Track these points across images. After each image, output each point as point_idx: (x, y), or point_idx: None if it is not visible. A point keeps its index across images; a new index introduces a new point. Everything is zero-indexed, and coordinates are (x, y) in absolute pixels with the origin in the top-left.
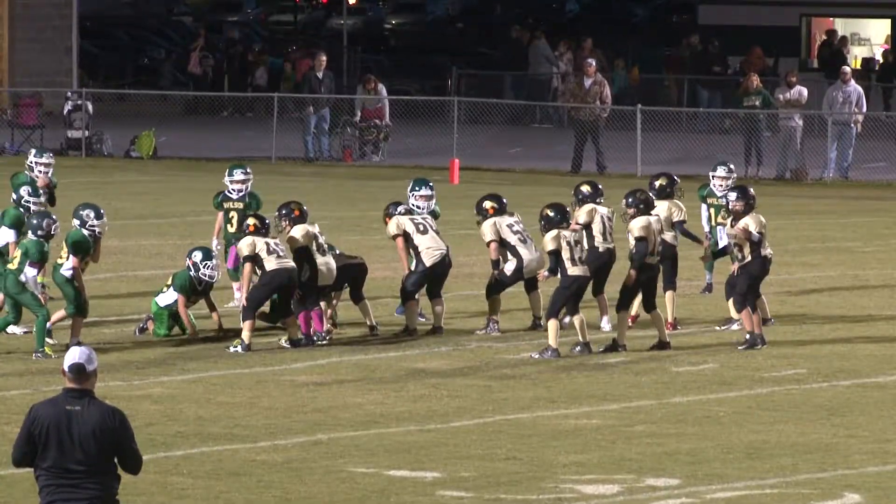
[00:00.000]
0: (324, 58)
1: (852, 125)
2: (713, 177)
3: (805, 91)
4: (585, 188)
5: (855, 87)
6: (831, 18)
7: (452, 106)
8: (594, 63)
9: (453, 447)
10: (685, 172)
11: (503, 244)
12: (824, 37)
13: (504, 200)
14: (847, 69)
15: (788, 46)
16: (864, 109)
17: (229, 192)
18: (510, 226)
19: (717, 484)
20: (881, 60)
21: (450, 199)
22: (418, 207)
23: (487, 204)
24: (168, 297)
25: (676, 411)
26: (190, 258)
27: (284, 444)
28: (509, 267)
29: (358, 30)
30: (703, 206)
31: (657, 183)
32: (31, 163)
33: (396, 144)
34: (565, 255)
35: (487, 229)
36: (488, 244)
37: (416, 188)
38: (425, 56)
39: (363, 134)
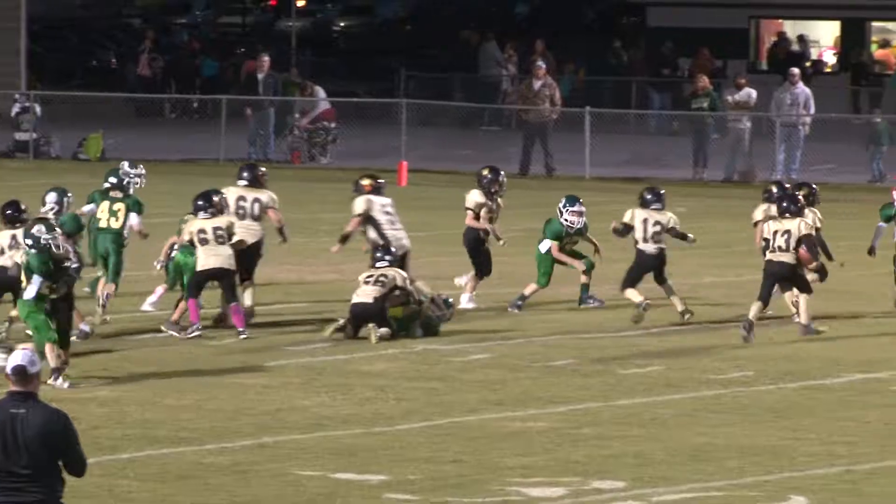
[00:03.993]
0: (266, 59)
1: (800, 127)
2: None
3: (754, 93)
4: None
5: (803, 89)
6: (780, 20)
7: (401, 108)
8: (544, 65)
9: (400, 450)
10: (634, 175)
11: (371, 223)
12: (773, 38)
13: (382, 181)
14: (796, 71)
15: (737, 48)
16: (812, 111)
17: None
18: (383, 205)
19: (663, 486)
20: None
21: (398, 201)
22: (570, 223)
23: (366, 181)
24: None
25: (623, 413)
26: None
27: (231, 447)
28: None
29: (307, 32)
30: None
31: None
32: None
33: (345, 146)
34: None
35: (359, 203)
36: (353, 217)
37: (569, 204)
38: (374, 58)
39: (311, 136)
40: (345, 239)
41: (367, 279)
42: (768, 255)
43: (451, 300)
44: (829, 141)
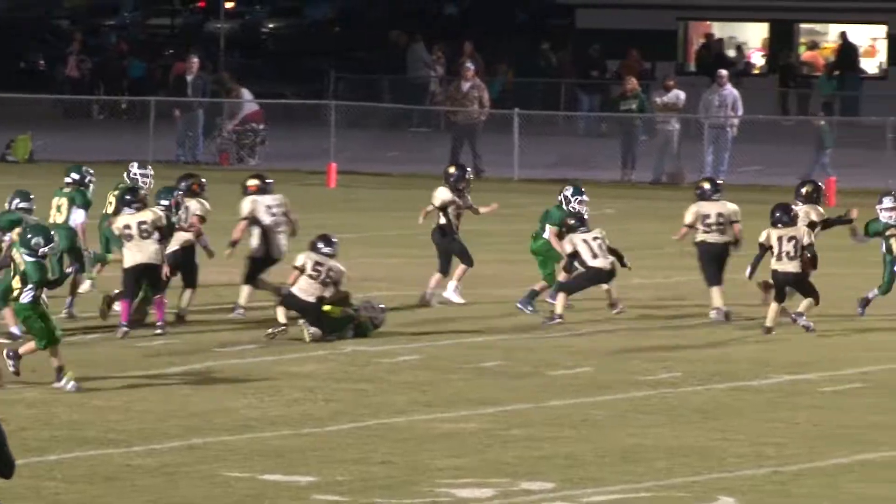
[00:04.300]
0: (195, 61)
1: (728, 128)
2: (881, 209)
3: (682, 95)
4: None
5: (731, 91)
6: (708, 22)
7: (330, 110)
8: (472, 67)
9: (328, 451)
10: (562, 176)
11: (256, 224)
12: (702, 40)
13: (269, 181)
14: (724, 73)
15: (666, 50)
16: (740, 113)
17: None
18: (269, 206)
19: (592, 487)
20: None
21: (327, 203)
22: (575, 210)
23: (251, 182)
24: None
25: (552, 415)
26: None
27: (159, 448)
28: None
29: (235, 33)
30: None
31: (803, 190)
32: None
33: (273, 148)
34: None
35: (245, 205)
36: (240, 220)
37: (577, 194)
38: (303, 59)
39: (239, 138)
40: (234, 244)
41: (314, 273)
42: (774, 265)
43: (383, 305)
44: (757, 142)
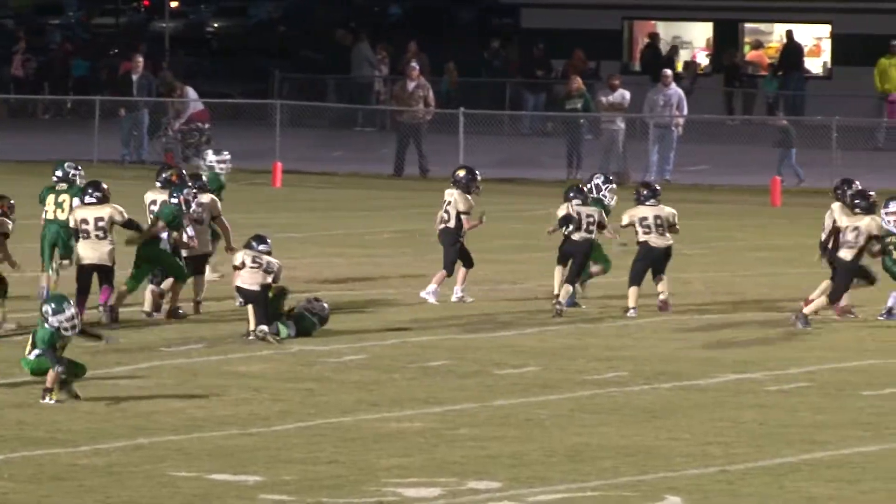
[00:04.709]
0: (140, 60)
1: (673, 128)
2: (885, 214)
3: (627, 94)
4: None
5: (676, 90)
6: (653, 22)
7: (275, 109)
8: (418, 66)
9: (275, 451)
10: (508, 176)
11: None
12: (646, 40)
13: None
14: (668, 72)
15: (610, 50)
16: (685, 112)
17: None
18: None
19: (539, 486)
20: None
21: (272, 202)
22: (605, 197)
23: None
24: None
25: (499, 414)
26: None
27: (106, 448)
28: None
29: (180, 33)
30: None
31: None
32: None
33: (218, 147)
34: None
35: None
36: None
37: (607, 183)
38: (248, 59)
39: (185, 137)
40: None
41: (253, 265)
42: (841, 253)
43: (326, 304)
44: (702, 142)
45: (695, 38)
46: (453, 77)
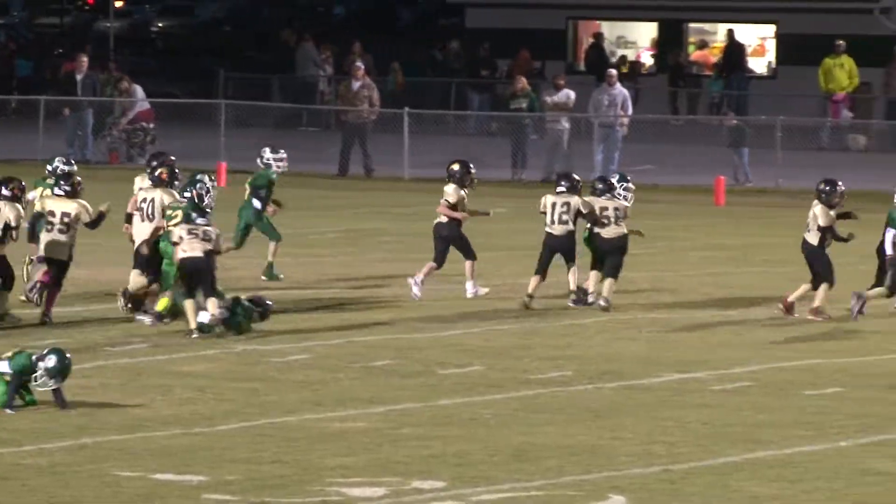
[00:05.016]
0: (85, 60)
1: (618, 128)
2: None
3: (572, 94)
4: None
5: (621, 90)
6: (598, 22)
7: (220, 109)
8: (363, 66)
9: (219, 451)
10: None
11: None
12: (591, 40)
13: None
14: (613, 72)
15: (555, 49)
16: (630, 112)
17: None
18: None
19: (483, 486)
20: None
21: (217, 202)
22: (622, 196)
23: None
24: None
25: (443, 414)
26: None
27: (49, 447)
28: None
29: (125, 32)
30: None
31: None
32: None
33: (163, 147)
34: None
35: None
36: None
37: (623, 181)
38: (193, 59)
39: (129, 137)
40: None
41: (191, 235)
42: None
43: (270, 301)
44: (647, 142)
45: (639, 38)
46: (399, 77)
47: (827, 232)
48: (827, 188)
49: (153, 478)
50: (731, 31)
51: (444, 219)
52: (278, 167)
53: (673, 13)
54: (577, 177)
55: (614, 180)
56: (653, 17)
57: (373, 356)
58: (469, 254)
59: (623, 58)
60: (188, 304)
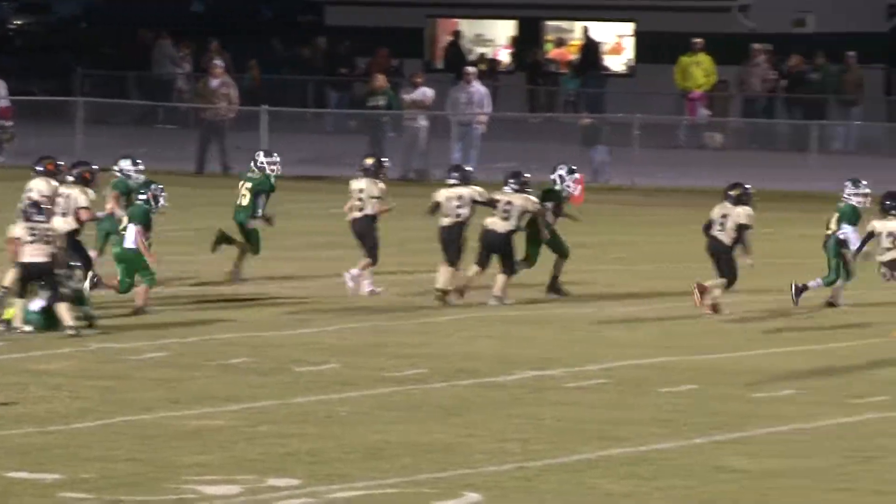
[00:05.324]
0: None
1: (475, 126)
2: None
3: (430, 92)
4: None
5: (479, 88)
6: (456, 20)
7: (77, 106)
8: (221, 64)
9: (74, 449)
10: (312, 173)
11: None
12: (449, 38)
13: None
14: (471, 70)
15: (414, 47)
16: (489, 110)
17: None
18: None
19: (339, 483)
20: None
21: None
22: (570, 188)
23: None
24: None
25: (299, 411)
26: None
27: None
28: None
29: None
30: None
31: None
32: None
33: (21, 145)
34: None
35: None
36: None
37: (571, 174)
38: (50, 56)
39: None
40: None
41: (31, 237)
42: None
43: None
44: (505, 140)
45: (497, 36)
46: (256, 74)
47: (744, 230)
48: (746, 190)
49: (7, 476)
50: (586, 29)
51: (357, 214)
52: (272, 170)
53: (531, 11)
54: (469, 168)
55: (563, 172)
56: (511, 15)
57: (230, 354)
58: (372, 253)
59: (481, 56)
60: (19, 304)
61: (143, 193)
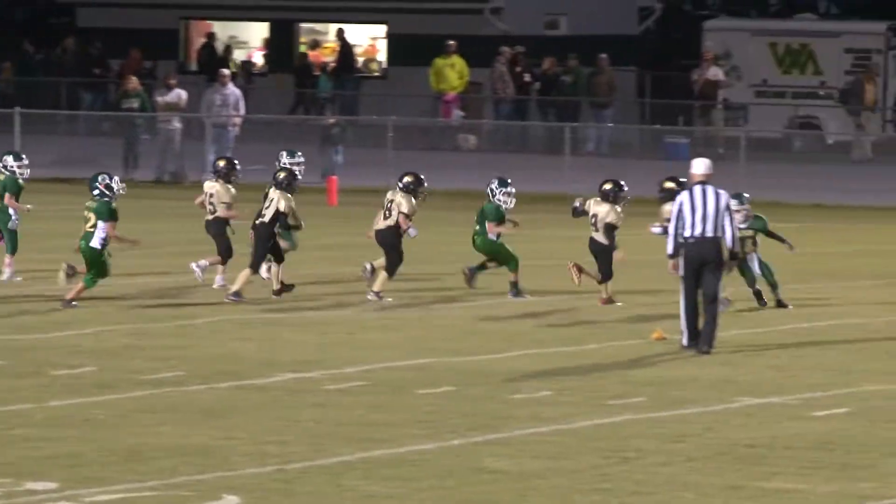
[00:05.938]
0: None
1: (230, 128)
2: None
3: (184, 94)
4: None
5: (233, 90)
6: (210, 21)
7: None
8: None
9: None
10: (64, 175)
11: None
12: (203, 40)
13: None
14: (226, 72)
15: (167, 49)
16: (243, 112)
17: None
18: None
19: (97, 487)
20: (258, 63)
21: None
22: (505, 203)
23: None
24: None
25: (55, 415)
26: None
27: None
28: None
29: None
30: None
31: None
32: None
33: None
34: None
35: None
36: None
37: (503, 186)
38: None
39: None
40: None
41: None
42: None
43: None
44: (260, 141)
45: (251, 38)
46: (8, 76)
47: (613, 229)
48: (616, 189)
49: None
50: (340, 31)
51: (209, 217)
52: (21, 174)
53: (284, 13)
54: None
55: (494, 185)
56: (264, 17)
57: None
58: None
59: (235, 58)
60: None
61: (94, 189)
